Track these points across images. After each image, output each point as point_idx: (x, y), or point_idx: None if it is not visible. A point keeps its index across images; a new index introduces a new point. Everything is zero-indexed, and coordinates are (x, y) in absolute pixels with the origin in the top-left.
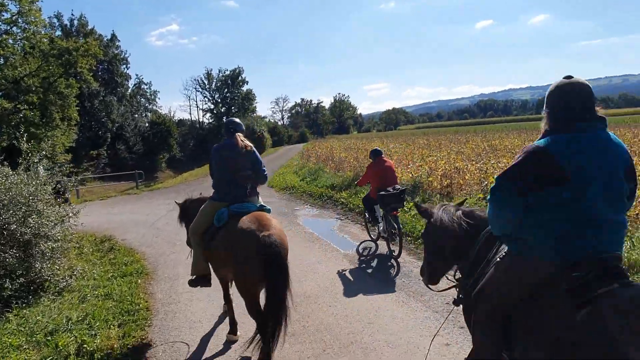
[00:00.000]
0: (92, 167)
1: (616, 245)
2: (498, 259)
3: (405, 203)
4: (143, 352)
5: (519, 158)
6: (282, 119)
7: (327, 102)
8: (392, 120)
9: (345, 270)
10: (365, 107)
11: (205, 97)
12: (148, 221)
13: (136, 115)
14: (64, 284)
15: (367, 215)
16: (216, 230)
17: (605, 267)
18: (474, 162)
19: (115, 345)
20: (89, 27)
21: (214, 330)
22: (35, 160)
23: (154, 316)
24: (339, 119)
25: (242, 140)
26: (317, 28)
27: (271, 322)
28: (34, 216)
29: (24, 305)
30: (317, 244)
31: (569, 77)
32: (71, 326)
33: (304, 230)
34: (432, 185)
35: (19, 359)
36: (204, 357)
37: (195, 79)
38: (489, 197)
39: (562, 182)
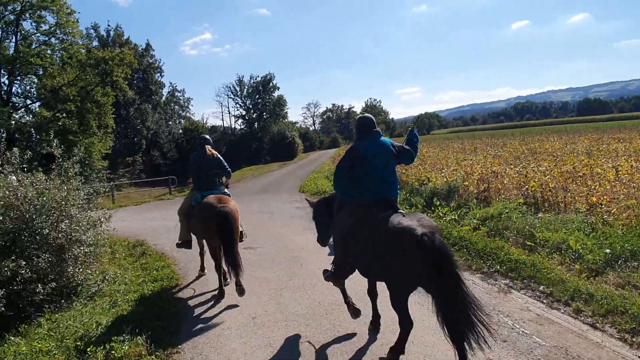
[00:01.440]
0: (127, 173)
1: (394, 193)
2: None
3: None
4: (170, 358)
5: (345, 154)
6: (314, 124)
7: (358, 107)
8: (425, 124)
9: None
10: (397, 111)
11: (237, 103)
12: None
13: (170, 122)
14: (96, 288)
15: None
16: (193, 209)
17: (387, 203)
18: (512, 166)
19: (143, 352)
20: (125, 37)
21: (242, 337)
22: (66, 166)
23: (182, 322)
24: None
25: (210, 150)
26: (349, 33)
27: (228, 261)
28: (67, 221)
29: (56, 309)
30: None
31: (362, 113)
32: (101, 331)
33: None
34: (468, 190)
35: None
36: None
37: (227, 86)
38: (333, 176)
39: (364, 162)
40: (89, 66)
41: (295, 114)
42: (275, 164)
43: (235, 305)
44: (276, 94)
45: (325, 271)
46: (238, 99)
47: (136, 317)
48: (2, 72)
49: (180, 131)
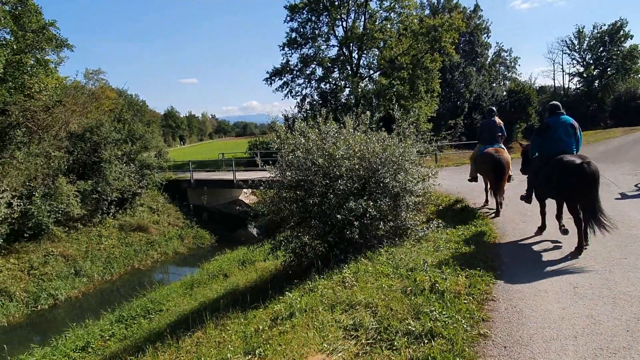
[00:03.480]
0: (449, 136)
1: (570, 149)
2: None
3: None
4: (483, 306)
5: (540, 125)
6: None
7: None
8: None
9: None
10: None
11: (573, 59)
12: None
13: (494, 85)
14: (422, 233)
15: None
16: (479, 157)
17: (564, 152)
18: None
19: (461, 291)
20: (454, 2)
21: (559, 302)
22: (405, 126)
23: (497, 276)
24: None
25: (497, 119)
26: None
27: (495, 191)
28: (402, 173)
29: (391, 244)
30: None
31: (552, 101)
32: (426, 268)
33: None
34: None
35: (387, 284)
36: (543, 324)
37: (562, 40)
38: (532, 138)
39: (550, 130)
40: (421, 35)
41: None
42: (619, 129)
43: (556, 272)
44: (628, 44)
45: (521, 196)
46: (575, 54)
47: (455, 262)
48: (353, 47)
49: (505, 93)
